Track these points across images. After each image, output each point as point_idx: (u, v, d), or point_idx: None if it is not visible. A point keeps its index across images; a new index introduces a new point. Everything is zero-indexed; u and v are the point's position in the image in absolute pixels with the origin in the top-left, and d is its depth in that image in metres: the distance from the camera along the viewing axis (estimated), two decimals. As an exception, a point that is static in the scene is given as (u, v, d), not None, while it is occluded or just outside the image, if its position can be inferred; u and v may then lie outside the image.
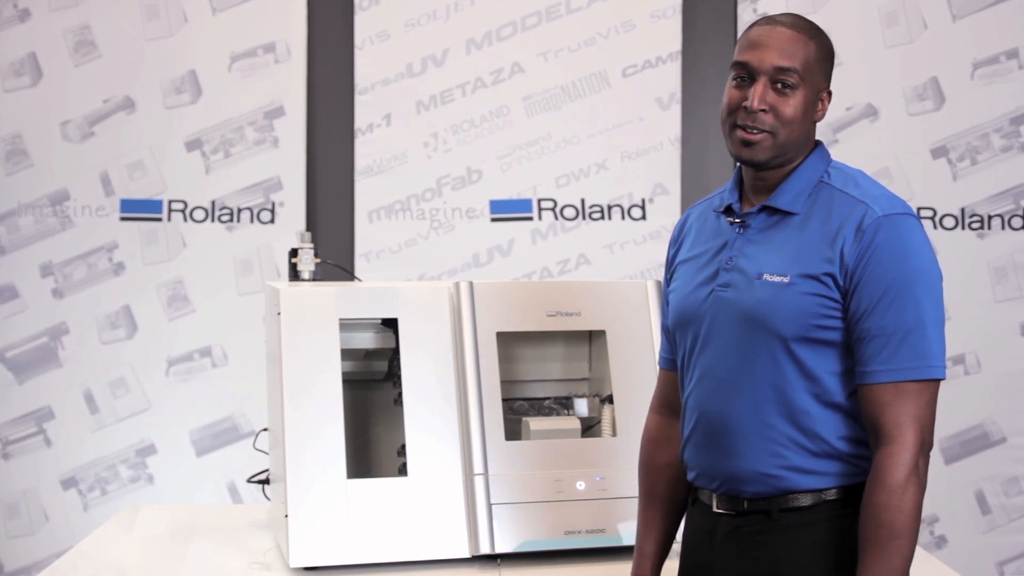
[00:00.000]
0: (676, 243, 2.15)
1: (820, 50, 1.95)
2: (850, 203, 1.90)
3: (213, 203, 4.48)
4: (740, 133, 1.93)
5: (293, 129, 4.47)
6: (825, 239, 1.89)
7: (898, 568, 1.81)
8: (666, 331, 2.15)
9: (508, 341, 2.74)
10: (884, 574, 1.81)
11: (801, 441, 1.90)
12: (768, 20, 1.97)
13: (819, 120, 1.99)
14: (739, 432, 1.94)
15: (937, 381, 1.86)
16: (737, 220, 2.00)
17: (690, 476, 2.06)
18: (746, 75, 1.94)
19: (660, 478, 2.17)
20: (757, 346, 1.91)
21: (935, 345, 1.86)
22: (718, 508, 1.99)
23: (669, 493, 2.16)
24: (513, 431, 2.67)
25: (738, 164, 2.03)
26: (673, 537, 2.19)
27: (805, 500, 1.91)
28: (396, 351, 2.70)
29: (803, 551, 1.90)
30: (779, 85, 1.92)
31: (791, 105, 1.92)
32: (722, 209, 2.04)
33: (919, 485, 1.83)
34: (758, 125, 1.92)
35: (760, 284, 1.92)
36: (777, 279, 1.90)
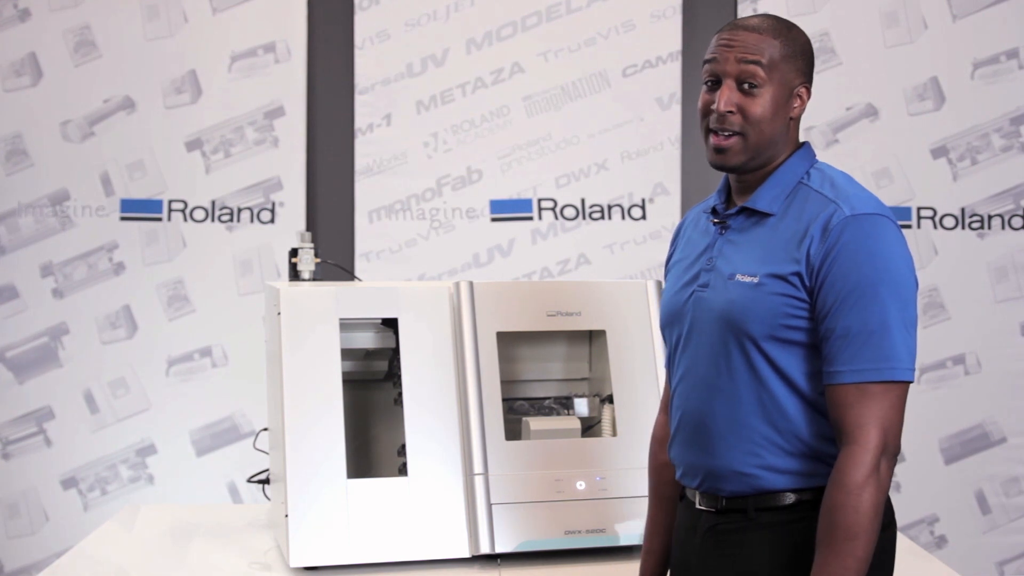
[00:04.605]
0: (673, 245, 2.18)
1: (787, 46, 1.94)
2: (822, 203, 1.90)
3: (213, 203, 4.48)
4: (713, 139, 1.95)
5: (293, 129, 4.47)
6: (794, 239, 1.89)
7: (851, 570, 1.78)
8: (662, 331, 2.17)
9: (508, 341, 2.74)
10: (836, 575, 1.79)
11: (777, 440, 1.90)
12: (732, 24, 1.98)
13: (795, 116, 1.98)
14: (717, 431, 1.95)
15: (903, 384, 1.83)
16: (718, 221, 2.02)
17: (677, 474, 2.07)
18: (714, 79, 1.96)
19: (664, 477, 2.19)
20: (732, 346, 1.92)
21: (900, 347, 1.83)
22: (700, 505, 2.01)
23: (673, 492, 2.17)
24: (513, 431, 2.67)
25: None
26: None
27: (781, 500, 1.91)
28: (396, 351, 2.70)
29: (778, 551, 1.90)
30: (745, 86, 1.93)
31: (758, 104, 1.92)
32: (710, 211, 2.07)
33: (878, 487, 1.80)
34: (727, 127, 1.93)
35: (732, 284, 1.93)
36: (747, 279, 1.91)
